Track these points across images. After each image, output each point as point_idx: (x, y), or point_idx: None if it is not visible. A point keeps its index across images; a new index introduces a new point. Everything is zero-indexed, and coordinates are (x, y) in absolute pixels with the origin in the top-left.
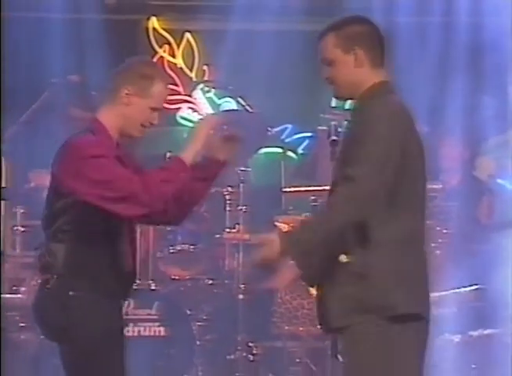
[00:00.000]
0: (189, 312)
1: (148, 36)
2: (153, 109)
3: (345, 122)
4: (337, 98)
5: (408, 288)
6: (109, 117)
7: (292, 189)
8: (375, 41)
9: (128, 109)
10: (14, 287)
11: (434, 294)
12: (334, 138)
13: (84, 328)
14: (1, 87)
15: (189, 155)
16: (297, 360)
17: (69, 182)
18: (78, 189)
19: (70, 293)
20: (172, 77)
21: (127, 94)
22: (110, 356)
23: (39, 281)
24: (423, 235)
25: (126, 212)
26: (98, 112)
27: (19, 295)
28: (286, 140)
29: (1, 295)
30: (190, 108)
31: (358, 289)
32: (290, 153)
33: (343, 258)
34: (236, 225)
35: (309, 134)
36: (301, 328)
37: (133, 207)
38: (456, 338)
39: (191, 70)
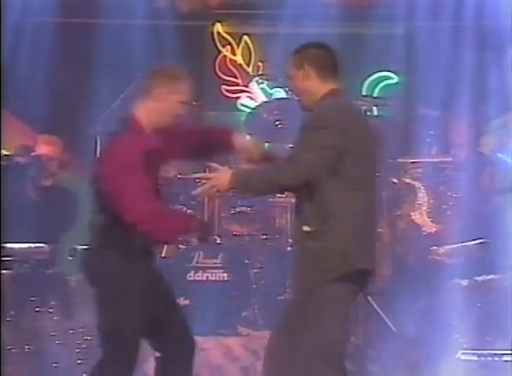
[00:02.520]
0: (247, 261)
1: (213, 38)
2: (182, 102)
3: (374, 108)
4: (303, 109)
5: (361, 250)
6: (145, 112)
7: None
8: (326, 61)
9: (161, 104)
10: None
11: (446, 247)
12: None
13: (107, 281)
14: (1, 86)
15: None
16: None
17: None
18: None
19: (99, 258)
20: (233, 72)
21: (160, 92)
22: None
23: None
24: (373, 209)
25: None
26: (134, 108)
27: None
28: None
29: (2, 295)
30: (248, 97)
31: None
32: None
33: (306, 228)
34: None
35: None
36: None
37: (130, 218)
38: (464, 283)
39: (248, 66)
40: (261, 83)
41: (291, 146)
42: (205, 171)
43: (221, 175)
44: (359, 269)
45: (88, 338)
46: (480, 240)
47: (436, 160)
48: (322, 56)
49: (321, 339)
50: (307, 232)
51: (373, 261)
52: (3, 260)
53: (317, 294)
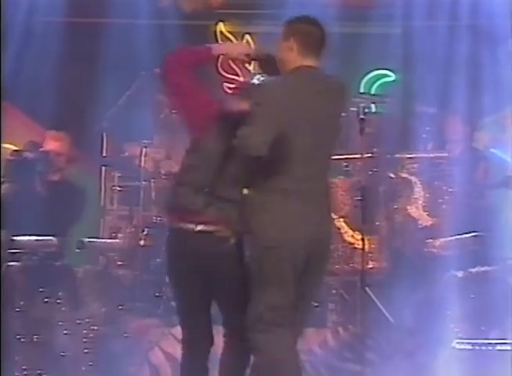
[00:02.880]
0: None
1: (216, 37)
2: None
3: (371, 105)
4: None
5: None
6: None
7: None
8: (311, 38)
9: None
10: (113, 234)
11: (441, 240)
12: (362, 116)
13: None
14: (1, 86)
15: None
16: (334, 291)
17: None
18: None
19: None
20: (235, 70)
21: None
22: None
23: (132, 229)
24: (308, 187)
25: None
26: None
27: (116, 240)
28: None
29: (1, 297)
30: None
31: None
32: None
33: (245, 191)
34: None
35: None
36: (336, 266)
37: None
38: (459, 274)
39: (249, 64)
40: (262, 80)
41: None
42: None
43: None
44: (291, 239)
45: (95, 328)
46: (474, 233)
47: (432, 155)
48: (309, 32)
49: (255, 303)
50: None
51: (313, 232)
52: (13, 252)
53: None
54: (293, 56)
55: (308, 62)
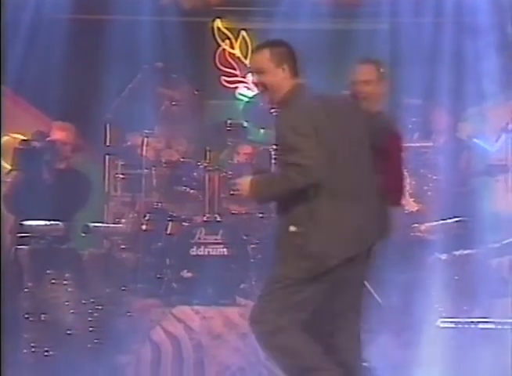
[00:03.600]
0: (244, 237)
1: (213, 33)
2: None
3: None
4: (271, 103)
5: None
6: None
7: None
8: (294, 58)
9: None
10: (116, 219)
11: (427, 224)
12: None
13: None
14: (0, 85)
15: None
16: None
17: None
18: None
19: None
20: (232, 64)
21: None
22: None
23: (135, 215)
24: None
25: None
26: None
27: (120, 225)
28: None
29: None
30: (245, 87)
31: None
32: None
33: (292, 228)
34: None
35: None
36: None
37: None
38: (443, 257)
39: (245, 58)
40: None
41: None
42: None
43: (244, 182)
44: (331, 267)
45: (99, 307)
46: (457, 218)
47: (418, 144)
48: (293, 54)
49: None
50: (293, 232)
51: (355, 249)
52: (22, 236)
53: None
54: (287, 79)
55: (298, 80)
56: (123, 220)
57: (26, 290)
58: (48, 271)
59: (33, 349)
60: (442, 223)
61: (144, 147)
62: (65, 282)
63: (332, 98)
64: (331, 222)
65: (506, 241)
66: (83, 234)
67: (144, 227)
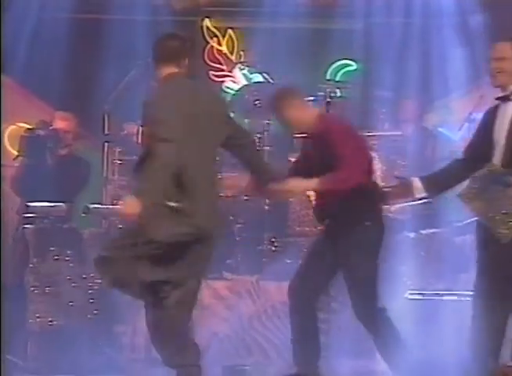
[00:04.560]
0: (231, 218)
1: (202, 31)
2: None
3: (337, 90)
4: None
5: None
6: None
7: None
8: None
9: None
10: (114, 201)
11: (397, 205)
12: (328, 100)
13: None
14: (0, 84)
15: None
16: (304, 250)
17: None
18: None
19: None
20: (219, 60)
21: None
22: None
23: None
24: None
25: None
26: None
27: (117, 206)
28: None
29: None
30: (232, 81)
31: None
32: None
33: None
34: None
35: (312, 98)
36: (306, 228)
37: None
38: (412, 235)
39: (232, 55)
40: (243, 69)
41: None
42: None
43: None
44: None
45: (99, 281)
46: (424, 200)
47: (388, 133)
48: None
49: None
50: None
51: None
52: (27, 216)
53: None
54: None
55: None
56: (120, 202)
57: (31, 265)
58: (51, 248)
59: (38, 319)
60: (411, 204)
61: (139, 135)
62: (67, 258)
63: None
64: None
65: (468, 221)
66: (83, 215)
67: None
